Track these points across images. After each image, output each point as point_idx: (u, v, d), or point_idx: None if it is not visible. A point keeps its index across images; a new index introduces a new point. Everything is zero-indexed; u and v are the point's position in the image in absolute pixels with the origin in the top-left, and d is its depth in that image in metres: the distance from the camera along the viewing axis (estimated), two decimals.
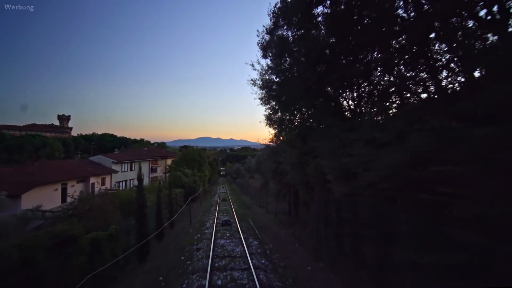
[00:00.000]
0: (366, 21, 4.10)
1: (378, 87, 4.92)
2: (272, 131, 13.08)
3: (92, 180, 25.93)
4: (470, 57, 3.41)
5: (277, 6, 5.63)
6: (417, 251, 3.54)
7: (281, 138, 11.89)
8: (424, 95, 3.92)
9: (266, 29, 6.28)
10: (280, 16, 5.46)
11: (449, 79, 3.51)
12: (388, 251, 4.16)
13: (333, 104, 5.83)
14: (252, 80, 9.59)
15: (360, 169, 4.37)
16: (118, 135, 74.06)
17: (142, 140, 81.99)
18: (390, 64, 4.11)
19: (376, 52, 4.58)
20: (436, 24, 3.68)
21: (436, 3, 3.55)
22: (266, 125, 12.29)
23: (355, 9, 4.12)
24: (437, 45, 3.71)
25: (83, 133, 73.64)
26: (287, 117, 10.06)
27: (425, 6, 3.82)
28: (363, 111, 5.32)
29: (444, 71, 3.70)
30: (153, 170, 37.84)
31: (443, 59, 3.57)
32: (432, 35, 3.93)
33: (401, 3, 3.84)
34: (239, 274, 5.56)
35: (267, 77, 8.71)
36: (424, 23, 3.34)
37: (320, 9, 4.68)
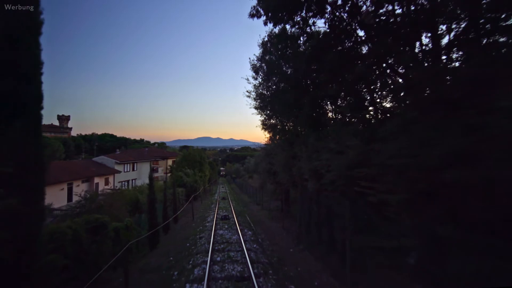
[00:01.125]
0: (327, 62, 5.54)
1: (337, 109, 6.40)
2: (267, 135, 14.68)
3: (96, 180, 27.51)
4: (397, 90, 4.90)
5: (265, 40, 7.12)
6: (358, 233, 5.07)
7: (275, 141, 13.44)
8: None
9: (257, 56, 7.82)
10: (265, 50, 6.95)
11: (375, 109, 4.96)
12: (346, 235, 5.66)
13: (310, 116, 7.32)
14: (247, 91, 11.16)
15: (325, 170, 5.87)
16: (118, 135, 75.66)
17: (142, 140, 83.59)
18: (343, 94, 5.56)
19: (334, 84, 6.01)
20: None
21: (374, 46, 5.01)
22: (261, 129, 13.90)
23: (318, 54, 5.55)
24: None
25: (83, 133, 75.22)
26: (279, 124, 11.63)
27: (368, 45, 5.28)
28: (332, 123, 6.83)
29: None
30: (154, 170, 39.35)
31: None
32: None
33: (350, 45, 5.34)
34: (234, 254, 7.09)
35: (260, 91, 10.23)
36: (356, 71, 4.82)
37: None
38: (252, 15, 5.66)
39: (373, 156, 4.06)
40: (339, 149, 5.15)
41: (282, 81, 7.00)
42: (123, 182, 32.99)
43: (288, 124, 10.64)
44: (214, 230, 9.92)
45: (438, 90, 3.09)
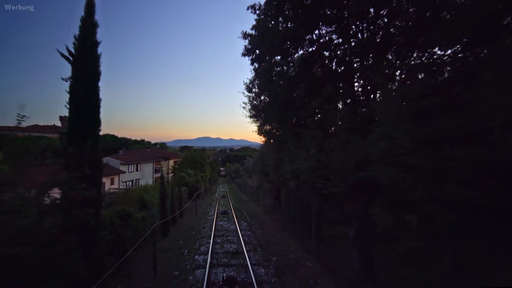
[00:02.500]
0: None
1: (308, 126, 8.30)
2: (262, 139, 16.66)
3: (103, 179, 29.44)
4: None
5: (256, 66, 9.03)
6: (322, 221, 7.04)
7: (268, 145, 15.41)
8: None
9: (249, 79, 9.80)
10: (256, 74, 8.93)
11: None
12: (317, 224, 7.61)
13: (291, 128, 9.24)
14: (244, 103, 13.16)
15: (300, 171, 7.80)
16: (119, 136, 77.74)
17: (142, 140, 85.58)
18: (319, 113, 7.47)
19: (305, 107, 7.89)
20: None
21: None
22: (257, 134, 15.88)
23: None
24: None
25: None
26: (271, 130, 13.58)
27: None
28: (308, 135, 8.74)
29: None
30: (156, 170, 41.36)
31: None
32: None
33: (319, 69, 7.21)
34: (231, 238, 9.08)
35: (254, 103, 12.19)
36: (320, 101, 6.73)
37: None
38: (243, 54, 7.64)
39: (326, 162, 6.00)
40: (307, 156, 7.08)
41: (270, 98, 8.93)
42: (127, 182, 34.87)
43: (278, 132, 12.57)
44: (215, 221, 11.91)
45: (351, 122, 5.07)
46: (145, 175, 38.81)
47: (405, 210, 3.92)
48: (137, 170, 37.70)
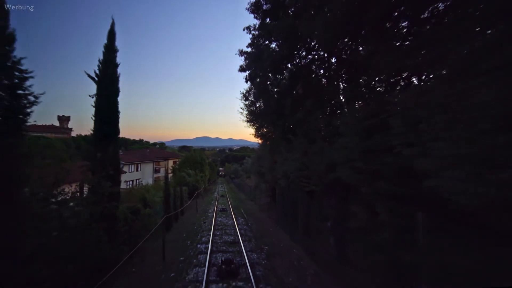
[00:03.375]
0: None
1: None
2: (259, 141, 17.94)
3: None
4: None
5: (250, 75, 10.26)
6: (308, 215, 8.32)
7: (264, 147, 16.68)
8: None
9: (246, 90, 11.07)
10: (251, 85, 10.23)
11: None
12: (302, 218, 8.89)
13: (282, 134, 10.50)
14: (241, 108, 14.39)
15: (289, 172, 9.06)
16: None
17: (141, 140, 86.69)
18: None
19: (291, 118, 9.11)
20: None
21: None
22: (254, 137, 17.14)
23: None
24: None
25: (83, 134, 78.39)
26: (267, 134, 14.84)
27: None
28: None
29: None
30: (156, 170, 42.52)
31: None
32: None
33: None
34: (229, 231, 10.33)
35: (251, 108, 13.44)
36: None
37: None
38: (240, 71, 8.88)
39: (308, 164, 7.26)
40: (294, 159, 8.33)
41: (264, 106, 10.21)
42: (128, 182, 35.98)
43: (273, 135, 13.81)
44: (215, 218, 13.16)
45: (325, 132, 6.34)
46: (145, 175, 39.91)
47: (361, 202, 5.18)
48: (137, 170, 38.82)
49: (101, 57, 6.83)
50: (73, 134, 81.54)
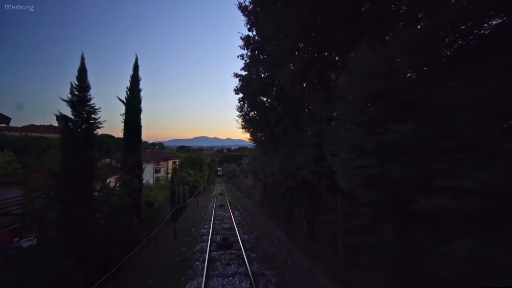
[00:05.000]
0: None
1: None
2: (255, 143, 20.32)
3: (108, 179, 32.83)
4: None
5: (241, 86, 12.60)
6: (291, 206, 10.71)
7: (258, 149, 19.05)
8: None
9: (240, 104, 13.52)
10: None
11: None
12: (283, 208, 11.25)
13: (272, 139, 12.85)
14: (237, 116, 16.76)
15: (275, 172, 11.41)
16: (116, 136, 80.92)
17: None
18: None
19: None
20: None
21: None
22: (249, 141, 19.50)
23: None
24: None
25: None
26: (260, 138, 17.20)
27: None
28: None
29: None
30: (157, 171, 44.71)
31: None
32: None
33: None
34: (227, 221, 12.72)
35: (247, 117, 15.80)
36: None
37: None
38: (235, 91, 11.27)
39: (286, 166, 9.62)
40: (278, 161, 10.69)
41: (256, 116, 12.61)
42: None
43: (264, 140, 16.20)
44: (214, 212, 15.51)
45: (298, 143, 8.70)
46: (146, 175, 41.80)
47: (317, 194, 7.53)
48: None
49: (128, 84, 9.15)
50: None
